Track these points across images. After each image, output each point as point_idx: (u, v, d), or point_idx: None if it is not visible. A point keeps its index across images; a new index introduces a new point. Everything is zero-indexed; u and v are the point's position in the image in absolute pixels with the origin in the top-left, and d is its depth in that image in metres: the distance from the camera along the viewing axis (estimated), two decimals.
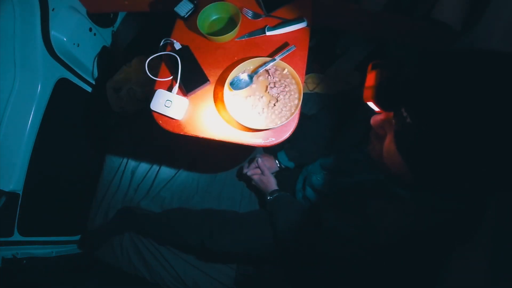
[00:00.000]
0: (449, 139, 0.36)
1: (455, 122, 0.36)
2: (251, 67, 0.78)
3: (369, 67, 0.48)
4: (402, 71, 0.43)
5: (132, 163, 1.22)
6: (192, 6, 0.83)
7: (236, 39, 0.82)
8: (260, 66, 0.77)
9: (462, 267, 0.56)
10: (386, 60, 0.47)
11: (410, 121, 0.39)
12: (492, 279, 0.54)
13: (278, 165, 1.05)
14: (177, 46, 0.80)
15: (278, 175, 1.07)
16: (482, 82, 0.35)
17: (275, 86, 0.76)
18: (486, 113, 0.34)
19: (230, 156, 1.18)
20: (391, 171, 0.49)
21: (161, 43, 0.81)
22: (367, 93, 0.47)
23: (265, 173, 1.01)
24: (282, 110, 0.75)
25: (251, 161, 1.07)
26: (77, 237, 1.20)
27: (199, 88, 0.78)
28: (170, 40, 0.80)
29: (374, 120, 0.49)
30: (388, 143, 0.46)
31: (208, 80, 0.78)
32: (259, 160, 1.03)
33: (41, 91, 0.90)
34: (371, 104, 0.48)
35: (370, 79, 0.47)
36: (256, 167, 1.04)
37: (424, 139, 0.38)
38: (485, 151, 0.35)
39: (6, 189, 0.86)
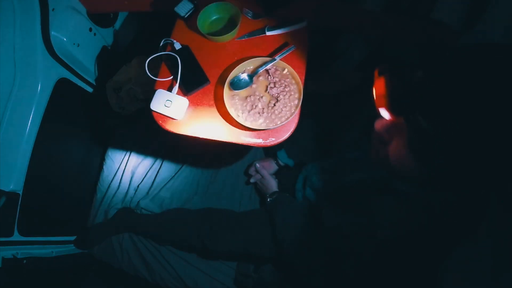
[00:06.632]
0: (467, 140, 0.37)
1: (471, 123, 0.37)
2: (251, 67, 0.78)
3: (376, 72, 0.46)
4: (413, 75, 0.42)
5: (132, 163, 1.22)
6: (192, 6, 0.82)
7: (236, 39, 0.82)
8: (260, 66, 0.77)
9: (463, 265, 0.56)
10: (392, 64, 0.46)
11: (425, 125, 0.39)
12: (492, 277, 0.54)
13: (277, 164, 1.05)
14: (177, 46, 0.80)
15: (278, 175, 1.07)
16: (496, 78, 0.36)
17: (275, 86, 0.76)
18: (504, 111, 0.35)
19: (230, 156, 1.18)
20: (400, 172, 0.49)
21: (161, 43, 0.81)
22: (380, 101, 0.45)
23: (265, 176, 1.02)
24: (282, 110, 0.74)
25: (249, 167, 1.09)
26: (76, 237, 1.20)
27: (199, 88, 0.78)
28: (170, 40, 0.80)
29: (379, 124, 0.49)
30: (396, 147, 0.46)
31: (208, 80, 0.78)
32: (257, 165, 1.04)
33: (41, 91, 0.90)
34: (383, 111, 0.46)
35: (380, 85, 0.45)
36: (256, 173, 1.05)
37: (442, 141, 0.39)
38: (505, 152, 0.36)
39: (6, 189, 0.86)
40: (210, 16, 0.84)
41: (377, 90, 0.46)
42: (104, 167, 1.23)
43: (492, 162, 0.38)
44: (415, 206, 0.55)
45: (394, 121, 0.46)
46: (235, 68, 0.76)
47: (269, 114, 0.74)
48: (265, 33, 0.82)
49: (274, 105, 0.75)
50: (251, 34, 0.82)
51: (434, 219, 0.53)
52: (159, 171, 1.20)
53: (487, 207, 0.51)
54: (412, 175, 0.47)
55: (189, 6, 0.82)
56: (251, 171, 1.08)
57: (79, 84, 1.09)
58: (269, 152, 1.12)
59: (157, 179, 1.19)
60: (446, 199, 0.51)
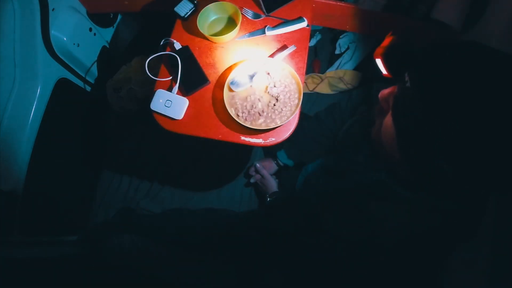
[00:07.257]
0: (466, 137, 0.38)
1: (449, 100, 0.39)
2: (251, 67, 0.78)
3: (389, 33, 0.51)
4: (416, 42, 0.46)
5: (132, 163, 1.22)
6: (192, 6, 0.83)
7: (236, 39, 0.82)
8: (260, 66, 0.77)
9: (463, 267, 0.56)
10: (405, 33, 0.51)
11: (409, 85, 0.42)
12: (491, 279, 0.54)
13: (277, 164, 1.05)
14: (177, 46, 0.80)
15: (278, 175, 1.07)
16: (480, 75, 0.39)
17: (275, 86, 0.76)
18: (478, 103, 0.38)
19: (230, 156, 1.18)
20: (384, 152, 0.51)
21: (161, 43, 0.81)
22: (379, 50, 0.50)
23: (265, 176, 1.02)
24: (282, 110, 0.74)
25: (249, 167, 1.09)
26: (77, 237, 1.20)
27: (199, 88, 0.78)
28: (170, 40, 0.80)
29: (381, 93, 0.52)
30: (388, 117, 0.49)
31: (208, 80, 0.78)
32: (257, 165, 1.05)
33: (41, 91, 0.90)
34: (378, 62, 0.50)
35: (386, 41, 0.50)
36: (256, 173, 1.06)
37: (417, 103, 0.41)
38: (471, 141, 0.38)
39: (6, 189, 0.86)
40: (210, 16, 0.84)
41: (382, 44, 0.50)
42: (104, 167, 1.23)
43: (491, 161, 0.39)
44: (416, 211, 0.55)
45: (394, 90, 0.49)
46: (235, 68, 0.76)
47: (269, 114, 0.74)
48: (265, 33, 0.82)
49: (274, 105, 0.75)
50: (251, 34, 0.82)
51: (435, 222, 0.53)
52: (159, 171, 1.20)
53: (487, 208, 0.51)
54: (392, 158, 0.50)
55: (189, 6, 0.82)
56: (251, 171, 1.08)
57: (79, 84, 1.09)
58: (269, 152, 1.13)
59: (157, 179, 1.19)
60: (446, 202, 0.51)
